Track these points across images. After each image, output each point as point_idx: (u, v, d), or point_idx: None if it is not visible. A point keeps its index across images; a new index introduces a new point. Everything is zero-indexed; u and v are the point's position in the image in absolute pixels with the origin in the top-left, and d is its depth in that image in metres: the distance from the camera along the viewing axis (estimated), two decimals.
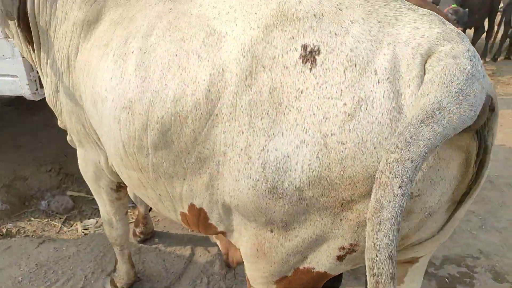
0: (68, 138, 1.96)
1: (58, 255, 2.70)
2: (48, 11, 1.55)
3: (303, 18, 1.05)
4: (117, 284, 2.38)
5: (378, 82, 0.96)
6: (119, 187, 1.92)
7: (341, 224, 1.07)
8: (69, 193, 3.48)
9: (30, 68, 2.42)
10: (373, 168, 0.96)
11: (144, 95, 1.20)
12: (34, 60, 1.81)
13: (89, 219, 3.22)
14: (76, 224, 3.13)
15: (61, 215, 3.23)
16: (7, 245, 2.78)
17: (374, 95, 0.95)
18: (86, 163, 1.80)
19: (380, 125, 0.95)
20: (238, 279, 2.52)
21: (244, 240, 1.28)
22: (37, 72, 2.29)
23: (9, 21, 1.65)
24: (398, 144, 0.86)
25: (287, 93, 1.01)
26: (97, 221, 3.15)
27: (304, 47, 1.02)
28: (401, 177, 0.85)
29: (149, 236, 2.88)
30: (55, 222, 3.14)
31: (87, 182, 1.95)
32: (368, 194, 0.97)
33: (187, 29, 1.19)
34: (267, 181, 1.06)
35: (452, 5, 5.46)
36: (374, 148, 0.96)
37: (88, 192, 3.50)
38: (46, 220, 3.15)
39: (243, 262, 1.59)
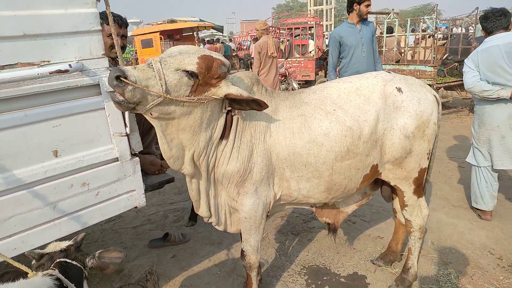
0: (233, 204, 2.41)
1: None
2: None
3: None
4: None
5: None
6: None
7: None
8: None
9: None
10: None
11: (356, 124, 2.32)
12: (214, 152, 2.23)
13: None
14: None
15: None
16: None
17: None
18: (258, 206, 2.38)
19: None
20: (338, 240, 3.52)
21: (408, 164, 2.50)
22: None
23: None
24: None
25: None
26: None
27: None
28: None
29: None
30: None
31: (249, 226, 2.41)
32: None
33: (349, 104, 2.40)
34: (406, 136, 2.39)
35: None
36: None
37: None
38: None
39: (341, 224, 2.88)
